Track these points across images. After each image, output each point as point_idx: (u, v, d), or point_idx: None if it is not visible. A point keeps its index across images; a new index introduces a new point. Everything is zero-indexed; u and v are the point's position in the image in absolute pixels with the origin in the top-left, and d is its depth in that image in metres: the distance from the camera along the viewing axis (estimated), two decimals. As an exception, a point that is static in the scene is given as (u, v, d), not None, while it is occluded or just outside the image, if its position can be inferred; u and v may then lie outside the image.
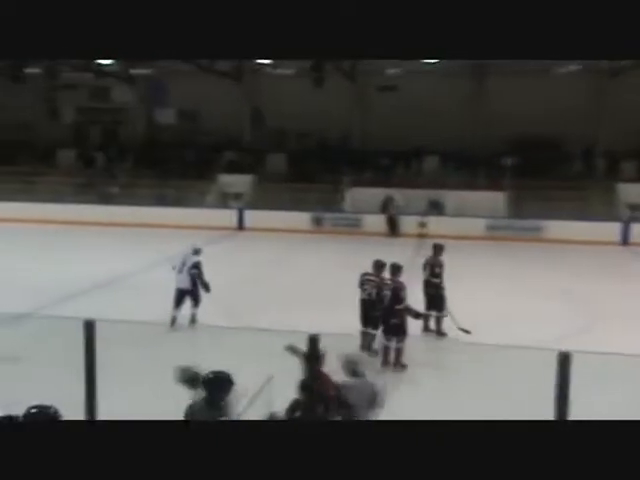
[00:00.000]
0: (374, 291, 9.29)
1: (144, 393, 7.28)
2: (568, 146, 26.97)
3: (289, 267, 16.79)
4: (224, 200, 27.20)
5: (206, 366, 4.72)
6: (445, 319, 10.46)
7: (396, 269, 9.35)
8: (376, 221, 22.95)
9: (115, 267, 15.47)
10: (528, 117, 26.15)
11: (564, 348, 3.91)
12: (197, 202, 25.45)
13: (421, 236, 21.09)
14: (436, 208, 24.21)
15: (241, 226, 24.18)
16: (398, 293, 9.05)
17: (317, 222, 23.94)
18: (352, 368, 5.58)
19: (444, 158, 26.66)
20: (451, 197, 24.29)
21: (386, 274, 9.45)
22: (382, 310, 9.11)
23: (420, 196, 24.42)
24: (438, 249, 10.92)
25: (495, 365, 7.88)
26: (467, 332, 9.95)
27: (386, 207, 23.77)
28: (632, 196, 24.04)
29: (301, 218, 23.71)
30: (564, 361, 3.08)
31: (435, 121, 27.15)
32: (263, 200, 25.40)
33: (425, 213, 23.03)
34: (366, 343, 9.34)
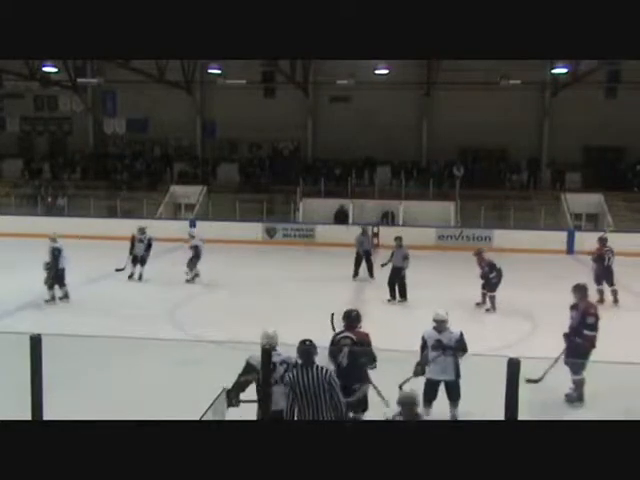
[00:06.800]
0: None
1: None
2: (515, 157, 27.70)
3: (241, 278, 16.65)
4: (175, 211, 26.91)
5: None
6: None
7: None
8: (329, 232, 23.01)
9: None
10: (476, 129, 26.75)
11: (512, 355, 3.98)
12: (148, 213, 25.07)
13: (376, 246, 21.19)
14: (388, 218, 24.50)
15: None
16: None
17: (270, 233, 23.89)
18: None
19: (395, 169, 26.98)
20: (403, 207, 24.59)
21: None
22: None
23: (373, 207, 24.66)
24: None
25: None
26: None
27: (341, 221, 23.51)
28: (577, 206, 24.83)
29: (254, 229, 23.60)
30: (514, 367, 3.14)
31: (386, 132, 27.52)
32: (215, 211, 25.23)
33: (378, 223, 23.21)
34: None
